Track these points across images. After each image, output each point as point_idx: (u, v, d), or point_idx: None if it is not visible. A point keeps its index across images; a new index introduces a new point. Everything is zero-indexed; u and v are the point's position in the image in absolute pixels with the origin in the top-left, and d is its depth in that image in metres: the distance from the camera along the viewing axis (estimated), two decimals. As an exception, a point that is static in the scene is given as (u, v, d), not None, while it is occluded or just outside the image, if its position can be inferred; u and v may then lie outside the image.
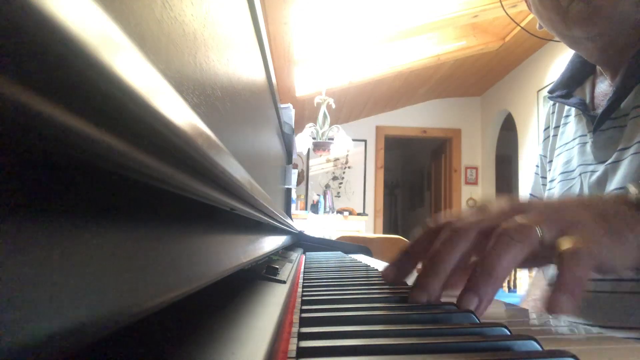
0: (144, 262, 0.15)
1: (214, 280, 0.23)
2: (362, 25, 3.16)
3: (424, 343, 0.24)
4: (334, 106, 4.00)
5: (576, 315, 0.66)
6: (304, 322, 0.29)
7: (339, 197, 5.59)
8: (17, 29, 0.06)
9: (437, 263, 0.38)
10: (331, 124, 4.10)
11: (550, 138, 0.82)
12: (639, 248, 0.38)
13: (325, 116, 4.03)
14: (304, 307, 0.35)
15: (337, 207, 5.40)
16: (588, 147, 0.68)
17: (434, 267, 0.38)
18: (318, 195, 5.40)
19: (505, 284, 3.85)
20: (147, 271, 0.15)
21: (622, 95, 0.63)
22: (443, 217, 0.43)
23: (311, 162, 5.65)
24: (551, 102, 0.83)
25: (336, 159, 5.61)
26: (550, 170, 0.80)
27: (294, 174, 1.61)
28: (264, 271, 0.48)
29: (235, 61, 0.38)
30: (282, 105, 1.34)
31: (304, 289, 0.46)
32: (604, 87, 0.71)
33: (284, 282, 0.46)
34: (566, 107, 0.79)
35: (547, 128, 0.85)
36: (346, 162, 5.64)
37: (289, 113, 1.46)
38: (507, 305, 0.46)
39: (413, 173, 8.06)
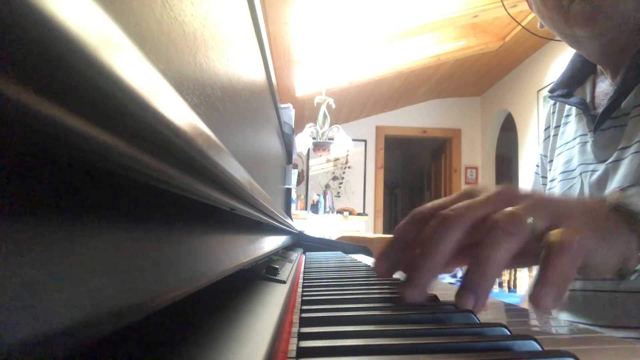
0: (144, 262, 0.15)
1: (214, 280, 0.23)
2: (362, 25, 3.16)
3: (424, 343, 0.24)
4: (334, 106, 4.00)
5: (570, 313, 0.66)
6: (304, 322, 0.29)
7: (339, 197, 5.59)
8: (17, 29, 0.06)
9: (427, 255, 0.36)
10: (331, 124, 4.10)
11: (551, 138, 0.82)
12: (621, 253, 0.37)
13: (325, 116, 4.03)
14: (304, 307, 0.35)
15: (337, 207, 5.40)
16: (588, 147, 0.69)
17: (423, 258, 0.36)
18: (318, 195, 5.40)
19: (505, 284, 3.85)
20: (147, 271, 0.15)
21: (623, 95, 0.63)
22: (430, 204, 0.41)
23: (311, 162, 5.65)
24: (552, 102, 0.83)
25: (336, 159, 5.61)
26: (550, 169, 0.80)
27: (294, 174, 1.61)
28: (264, 271, 0.48)
29: (235, 61, 0.38)
30: (282, 105, 1.34)
31: (304, 289, 0.46)
32: (604, 87, 0.71)
33: (284, 282, 0.46)
34: (567, 107, 0.79)
35: (547, 128, 0.85)
36: (346, 162, 5.64)
37: (289, 113, 1.46)
38: (507, 305, 0.46)
39: (413, 173, 8.06)
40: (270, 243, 0.57)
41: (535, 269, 0.36)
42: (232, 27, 0.37)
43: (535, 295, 0.32)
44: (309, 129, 4.04)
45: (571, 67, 0.77)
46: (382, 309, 0.35)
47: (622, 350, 0.28)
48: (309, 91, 4.05)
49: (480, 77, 4.88)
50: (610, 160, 0.63)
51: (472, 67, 4.49)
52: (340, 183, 5.64)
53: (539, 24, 0.72)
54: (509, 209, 0.35)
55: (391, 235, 0.44)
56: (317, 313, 0.32)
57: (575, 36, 0.65)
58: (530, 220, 0.35)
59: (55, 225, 0.11)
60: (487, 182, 5.48)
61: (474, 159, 5.64)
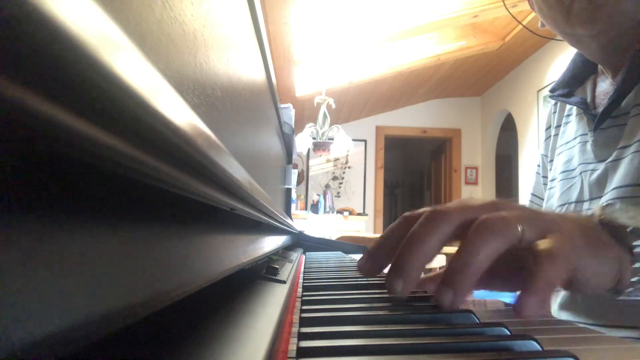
0: (144, 262, 0.15)
1: (214, 280, 0.23)
2: (362, 25, 3.16)
3: (424, 343, 0.24)
4: (334, 106, 4.00)
5: (570, 313, 0.66)
6: (304, 322, 0.29)
7: (339, 197, 5.59)
8: (17, 29, 0.06)
9: (413, 244, 0.35)
10: (331, 124, 4.10)
11: (552, 137, 0.82)
12: (613, 267, 0.37)
13: (325, 116, 4.03)
14: (304, 307, 0.35)
15: (337, 207, 5.40)
16: (589, 146, 0.69)
17: (410, 249, 0.35)
18: (318, 195, 5.40)
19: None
20: (147, 271, 0.15)
21: (623, 94, 0.63)
22: (423, 209, 0.41)
23: (311, 162, 5.65)
24: (552, 102, 0.83)
25: (336, 159, 5.61)
26: (551, 169, 0.80)
27: (294, 174, 1.61)
28: (264, 271, 0.48)
29: (235, 61, 0.38)
30: (282, 105, 1.34)
31: (304, 289, 0.46)
32: (605, 86, 0.71)
33: (284, 282, 0.46)
34: (567, 107, 0.79)
35: (548, 127, 0.85)
36: (346, 162, 5.64)
37: (289, 113, 1.46)
38: (507, 305, 0.46)
39: (413, 173, 8.06)
40: (270, 243, 0.57)
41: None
42: (232, 27, 0.37)
43: (521, 303, 0.31)
44: (309, 129, 4.04)
45: (572, 66, 0.77)
46: (382, 309, 0.35)
47: (622, 350, 0.28)
48: (309, 91, 4.05)
49: (480, 77, 4.88)
50: (610, 159, 0.63)
51: (472, 67, 4.49)
52: (340, 183, 5.64)
53: (540, 24, 0.72)
54: (500, 212, 0.35)
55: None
56: (317, 313, 0.32)
57: (577, 35, 0.65)
58: (520, 226, 0.34)
59: (55, 225, 0.11)
60: (487, 182, 5.48)
61: (474, 159, 5.64)
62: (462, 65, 4.37)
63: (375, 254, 0.42)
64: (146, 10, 0.16)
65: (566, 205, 0.71)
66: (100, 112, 0.09)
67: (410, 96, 5.28)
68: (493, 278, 0.41)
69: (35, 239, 0.10)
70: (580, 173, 0.69)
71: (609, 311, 0.60)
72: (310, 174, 5.69)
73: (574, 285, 0.36)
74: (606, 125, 0.66)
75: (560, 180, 0.74)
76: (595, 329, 0.54)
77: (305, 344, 0.24)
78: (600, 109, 0.67)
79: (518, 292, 0.32)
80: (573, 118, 0.76)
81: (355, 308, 0.35)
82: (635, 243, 0.39)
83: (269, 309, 0.31)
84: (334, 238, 1.54)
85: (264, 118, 0.69)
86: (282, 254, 0.82)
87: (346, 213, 5.16)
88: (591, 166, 0.67)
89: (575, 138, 0.73)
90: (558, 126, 0.81)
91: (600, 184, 0.64)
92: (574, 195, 0.70)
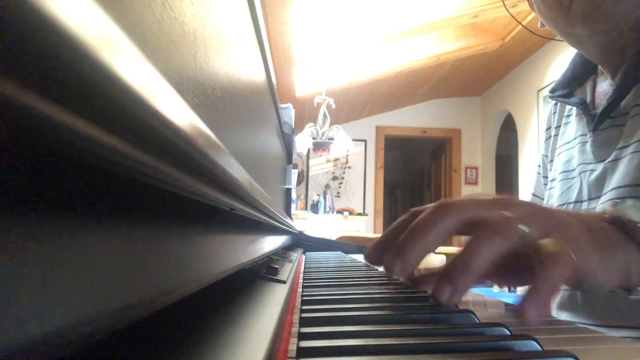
0: (144, 262, 0.15)
1: (214, 280, 0.23)
2: (362, 25, 3.16)
3: (424, 343, 0.24)
4: (334, 106, 4.00)
5: (570, 313, 0.66)
6: (304, 322, 0.29)
7: (339, 197, 5.59)
8: (17, 29, 0.06)
9: (417, 231, 0.36)
10: (331, 124, 4.10)
11: (552, 138, 0.82)
12: (622, 266, 0.37)
13: (325, 116, 4.03)
14: (304, 307, 0.35)
15: (337, 207, 5.40)
16: (588, 146, 0.69)
17: (413, 235, 0.36)
18: (318, 195, 5.40)
19: (504, 285, 3.84)
20: (147, 271, 0.15)
21: (622, 94, 0.63)
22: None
23: (311, 162, 5.65)
24: (553, 102, 0.83)
25: (336, 159, 5.61)
26: (551, 169, 0.80)
27: (294, 174, 1.61)
28: (264, 271, 0.48)
29: (235, 61, 0.38)
30: (282, 105, 1.34)
31: (304, 289, 0.46)
32: (604, 87, 0.71)
33: (284, 282, 0.46)
34: (567, 107, 0.79)
35: (548, 128, 0.85)
36: (346, 162, 5.64)
37: (289, 113, 1.46)
38: (507, 305, 0.46)
39: (413, 173, 8.06)
40: (270, 243, 0.57)
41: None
42: (232, 27, 0.37)
43: (523, 308, 0.31)
44: (309, 129, 4.04)
45: (572, 67, 0.77)
46: (382, 309, 0.35)
47: (622, 350, 0.28)
48: (309, 91, 4.05)
49: (480, 77, 4.89)
50: (609, 159, 0.63)
51: (472, 67, 4.49)
52: (340, 183, 5.64)
53: (539, 24, 0.72)
54: (505, 213, 0.35)
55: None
56: (317, 313, 0.32)
57: (576, 35, 0.65)
58: (524, 227, 0.34)
59: (54, 225, 0.11)
60: (487, 182, 5.48)
61: (474, 159, 5.64)
62: (462, 65, 4.37)
63: (381, 244, 0.43)
64: (146, 10, 0.16)
65: (565, 205, 0.71)
66: (100, 112, 0.09)
67: (410, 96, 5.28)
68: (502, 272, 0.41)
69: (35, 239, 0.10)
70: (580, 173, 0.69)
71: (609, 311, 0.60)
72: (310, 174, 5.69)
73: (580, 283, 0.36)
74: (605, 126, 0.66)
75: (560, 180, 0.74)
76: (595, 329, 0.54)
77: (305, 344, 0.24)
78: (599, 110, 0.67)
79: (520, 294, 0.32)
80: (573, 118, 0.76)
81: (355, 308, 0.35)
82: None
83: (269, 309, 0.31)
84: (334, 238, 1.54)
85: (264, 118, 0.69)
86: (282, 254, 0.82)
87: (346, 213, 5.16)
88: (590, 166, 0.67)
89: (575, 138, 0.73)
90: (558, 126, 0.81)
91: (599, 184, 0.64)
92: (573, 195, 0.70)
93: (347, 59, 3.79)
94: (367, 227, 5.26)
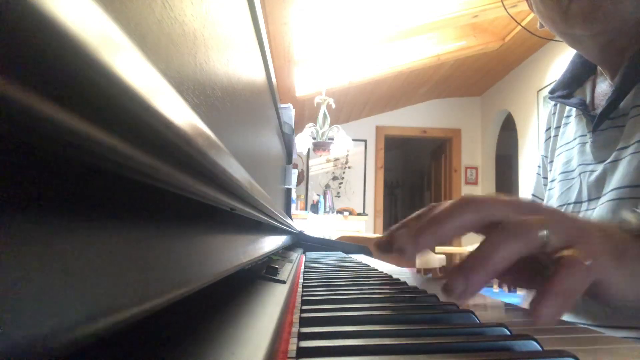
0: (144, 262, 0.15)
1: (214, 280, 0.23)
2: (362, 25, 3.16)
3: (424, 343, 0.24)
4: (334, 106, 4.00)
5: (570, 313, 0.66)
6: (304, 322, 0.29)
7: (339, 197, 5.59)
8: (17, 29, 0.06)
9: (434, 220, 0.36)
10: (331, 124, 4.10)
11: (552, 138, 0.82)
12: None
13: (325, 116, 4.03)
14: (304, 307, 0.35)
15: (337, 207, 5.40)
16: (587, 147, 0.69)
17: (430, 223, 0.36)
18: (318, 195, 5.40)
19: (505, 285, 3.84)
20: (147, 271, 0.15)
21: (621, 95, 0.63)
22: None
23: (311, 162, 5.65)
24: (552, 103, 0.83)
25: (336, 159, 5.61)
26: (551, 170, 0.80)
27: (294, 174, 1.61)
28: (264, 271, 0.48)
29: (235, 61, 0.38)
30: (282, 105, 1.34)
31: (304, 289, 0.46)
32: (604, 87, 0.71)
33: (284, 282, 0.46)
34: (567, 108, 0.79)
35: (548, 128, 0.85)
36: (346, 162, 5.64)
37: (289, 113, 1.46)
38: (507, 305, 0.46)
39: (413, 173, 8.06)
40: (270, 243, 0.57)
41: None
42: (232, 27, 0.37)
43: (535, 305, 0.31)
44: (309, 129, 4.04)
45: (571, 67, 0.77)
46: (382, 309, 0.35)
47: (622, 350, 0.28)
48: (309, 91, 4.05)
49: (480, 77, 4.88)
50: (608, 160, 0.63)
51: (472, 67, 4.49)
52: (340, 183, 5.64)
53: (538, 24, 0.72)
54: (527, 216, 0.35)
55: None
56: (317, 313, 0.32)
57: (575, 36, 0.65)
58: (544, 232, 0.34)
59: (54, 225, 0.11)
60: (487, 182, 5.48)
61: (474, 159, 5.64)
62: (462, 65, 4.37)
63: (395, 233, 0.43)
64: (146, 10, 0.16)
65: (565, 206, 0.71)
66: (100, 112, 0.09)
67: (410, 96, 5.28)
68: (519, 276, 0.41)
69: (35, 239, 0.10)
70: (580, 174, 0.69)
71: (609, 311, 0.60)
72: (310, 174, 5.69)
73: (601, 296, 0.35)
74: (605, 127, 0.66)
75: (560, 181, 0.74)
76: (595, 329, 0.54)
77: (305, 344, 0.24)
78: (599, 110, 0.67)
79: (522, 294, 0.32)
80: (572, 119, 0.76)
81: (355, 308, 0.35)
82: None
83: (269, 309, 0.31)
84: (334, 238, 1.54)
85: (264, 118, 0.69)
86: (282, 253, 0.82)
87: (346, 213, 5.16)
88: (590, 167, 0.67)
89: (574, 139, 0.73)
90: (558, 127, 0.81)
91: (599, 185, 0.64)
92: (573, 196, 0.70)
93: (347, 59, 3.78)
94: (367, 227, 5.26)
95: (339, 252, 1.35)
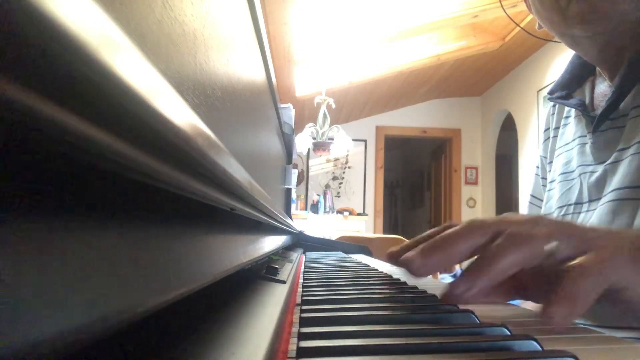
0: (144, 262, 0.15)
1: (214, 280, 0.23)
2: (362, 25, 3.16)
3: (424, 343, 0.24)
4: (334, 106, 4.00)
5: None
6: (304, 322, 0.29)
7: (339, 197, 5.59)
8: (17, 29, 0.06)
9: (443, 241, 0.37)
10: (331, 124, 4.10)
11: (551, 139, 0.82)
12: None
13: (325, 116, 4.03)
14: (304, 307, 0.35)
15: (337, 207, 5.40)
16: (587, 148, 0.68)
17: (438, 244, 0.37)
18: (318, 195, 5.40)
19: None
20: (147, 271, 0.15)
21: (621, 96, 0.63)
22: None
23: (311, 162, 5.65)
24: (551, 103, 0.83)
25: (336, 159, 5.61)
26: (550, 171, 0.80)
27: (294, 174, 1.61)
28: (264, 271, 0.48)
29: (235, 61, 0.38)
30: (282, 105, 1.34)
31: (304, 289, 0.46)
32: (603, 88, 0.71)
33: (284, 282, 0.46)
34: (566, 108, 0.79)
35: (547, 129, 0.85)
36: (346, 162, 5.64)
37: (289, 113, 1.46)
38: (507, 305, 0.46)
39: (413, 173, 8.06)
40: (270, 243, 0.57)
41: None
42: (232, 27, 0.37)
43: (545, 309, 0.31)
44: (309, 129, 4.04)
45: (570, 68, 0.77)
46: (382, 309, 0.35)
47: (622, 350, 0.28)
48: (309, 91, 4.05)
49: (480, 77, 4.88)
50: (609, 161, 0.63)
51: (472, 67, 4.49)
52: (340, 183, 5.64)
53: (537, 25, 0.72)
54: (534, 227, 0.36)
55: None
56: (317, 313, 0.32)
57: (574, 37, 0.65)
58: (550, 243, 0.34)
59: (54, 225, 0.11)
60: (487, 182, 5.48)
61: (474, 159, 5.64)
62: (462, 65, 4.37)
63: (408, 246, 0.44)
64: (146, 10, 0.16)
65: (565, 207, 0.71)
66: (100, 112, 0.09)
67: (410, 96, 5.28)
68: (530, 290, 0.41)
69: (35, 239, 0.10)
70: (580, 175, 0.69)
71: (609, 311, 0.60)
72: (310, 174, 5.69)
73: (618, 301, 0.35)
74: (605, 128, 0.66)
75: (560, 182, 0.74)
76: (595, 329, 0.54)
77: (306, 344, 0.24)
78: (598, 111, 0.67)
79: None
80: (572, 120, 0.76)
81: (355, 308, 0.35)
82: None
83: (269, 309, 0.31)
84: (334, 238, 1.54)
85: (264, 118, 0.69)
86: (282, 253, 0.82)
87: (346, 213, 5.16)
88: (590, 168, 0.67)
89: (574, 140, 0.73)
90: (557, 128, 0.81)
91: (599, 185, 0.64)
92: (573, 197, 0.69)
93: (347, 59, 3.78)
94: (367, 227, 5.26)
95: (339, 252, 1.35)
